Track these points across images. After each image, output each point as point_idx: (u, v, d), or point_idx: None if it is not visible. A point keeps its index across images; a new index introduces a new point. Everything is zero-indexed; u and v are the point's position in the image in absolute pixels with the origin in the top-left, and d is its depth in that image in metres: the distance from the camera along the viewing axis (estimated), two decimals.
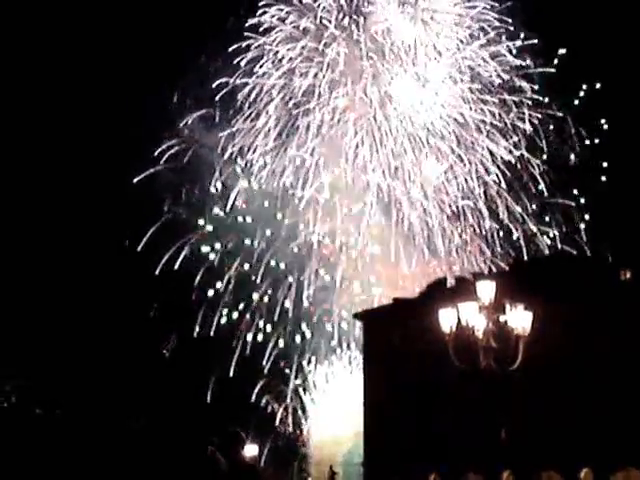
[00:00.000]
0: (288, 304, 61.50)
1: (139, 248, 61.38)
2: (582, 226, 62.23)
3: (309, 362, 62.00)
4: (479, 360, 23.16)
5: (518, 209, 61.94)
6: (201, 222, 62.90)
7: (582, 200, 62.61)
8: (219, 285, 61.74)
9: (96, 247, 61.80)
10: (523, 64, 62.57)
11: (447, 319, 23.62)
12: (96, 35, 64.73)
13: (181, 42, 60.15)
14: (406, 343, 45.38)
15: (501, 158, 62.11)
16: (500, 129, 62.43)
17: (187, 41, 60.17)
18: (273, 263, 61.78)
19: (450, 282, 49.86)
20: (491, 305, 23.29)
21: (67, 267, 61.80)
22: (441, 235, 61.28)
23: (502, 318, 23.43)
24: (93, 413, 61.04)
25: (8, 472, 53.94)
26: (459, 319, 23.40)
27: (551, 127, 63.07)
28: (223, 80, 61.87)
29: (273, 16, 63.01)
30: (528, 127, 62.30)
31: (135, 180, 62.01)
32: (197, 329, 61.47)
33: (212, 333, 61.51)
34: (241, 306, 62.09)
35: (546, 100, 62.96)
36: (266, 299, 61.96)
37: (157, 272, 60.96)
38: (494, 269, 59.08)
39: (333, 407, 60.51)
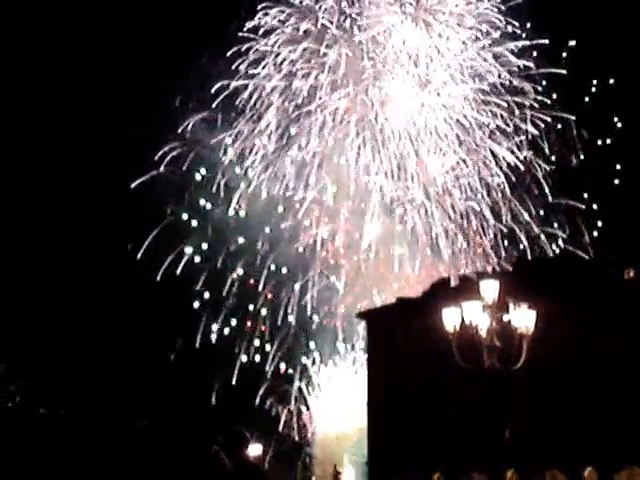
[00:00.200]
0: (291, 306, 61.58)
1: (141, 251, 61.52)
2: (595, 234, 62.03)
3: (313, 363, 62.06)
4: (483, 359, 23.27)
5: (522, 211, 61.90)
6: (202, 225, 62.93)
7: (594, 206, 62.44)
8: (222, 288, 61.81)
9: (98, 248, 61.92)
10: (529, 65, 62.43)
11: (451, 318, 23.74)
12: (97, 38, 64.93)
13: (182, 45, 60.28)
14: (409, 342, 45.39)
15: (504, 158, 62.13)
16: (503, 131, 62.43)
17: (188, 44, 60.26)
18: (275, 265, 61.82)
19: (454, 281, 49.87)
20: (495, 304, 23.40)
21: (71, 266, 61.99)
22: (444, 237, 61.27)
23: (506, 317, 23.54)
24: (97, 413, 61.13)
25: (12, 472, 54.08)
26: (463, 318, 23.52)
27: (558, 126, 62.92)
28: (224, 82, 61.97)
29: (274, 18, 63.08)
30: (532, 129, 62.26)
31: (135, 183, 62.05)
32: (200, 333, 61.64)
33: (215, 337, 61.63)
34: (244, 309, 62.18)
35: (552, 101, 62.89)
36: (269, 301, 62.00)
37: (158, 275, 61.10)
38: (497, 269, 59.04)
39: (337, 407, 60.51)
